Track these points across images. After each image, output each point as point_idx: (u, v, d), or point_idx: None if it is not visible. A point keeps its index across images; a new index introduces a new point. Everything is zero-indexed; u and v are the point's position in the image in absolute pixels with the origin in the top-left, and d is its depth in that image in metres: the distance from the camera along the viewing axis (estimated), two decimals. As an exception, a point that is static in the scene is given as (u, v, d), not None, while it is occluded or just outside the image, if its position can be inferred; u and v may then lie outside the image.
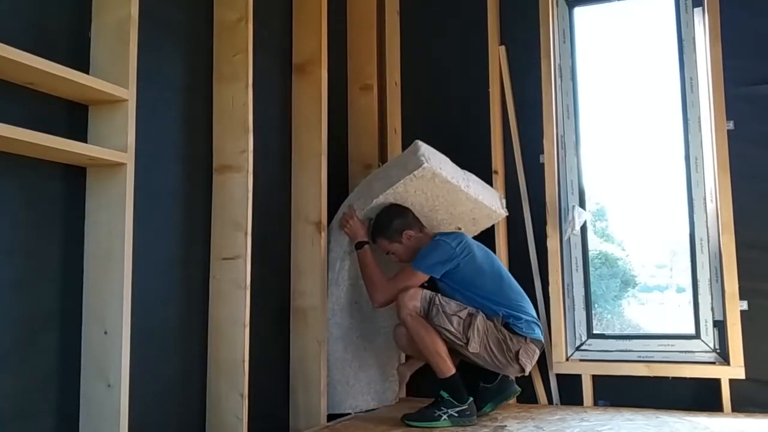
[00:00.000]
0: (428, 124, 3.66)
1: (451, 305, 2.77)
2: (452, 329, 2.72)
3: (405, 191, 2.88)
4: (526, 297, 2.96)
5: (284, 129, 2.99)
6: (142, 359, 2.07)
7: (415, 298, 2.74)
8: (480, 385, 2.89)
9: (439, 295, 2.79)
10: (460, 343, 2.73)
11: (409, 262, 2.90)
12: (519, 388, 3.00)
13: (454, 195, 2.97)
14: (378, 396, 3.12)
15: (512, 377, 2.98)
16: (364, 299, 3.05)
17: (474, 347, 2.73)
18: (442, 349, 2.73)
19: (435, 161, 2.83)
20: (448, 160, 2.96)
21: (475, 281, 2.84)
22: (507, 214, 3.27)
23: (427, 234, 2.96)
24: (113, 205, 1.93)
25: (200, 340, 2.43)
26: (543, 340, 2.91)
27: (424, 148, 2.83)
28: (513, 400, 3.26)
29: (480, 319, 2.76)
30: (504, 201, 3.28)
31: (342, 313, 3.01)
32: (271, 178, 2.86)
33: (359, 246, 2.92)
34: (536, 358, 2.87)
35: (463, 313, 2.76)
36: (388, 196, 2.90)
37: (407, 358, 3.23)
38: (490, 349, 2.76)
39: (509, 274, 3.01)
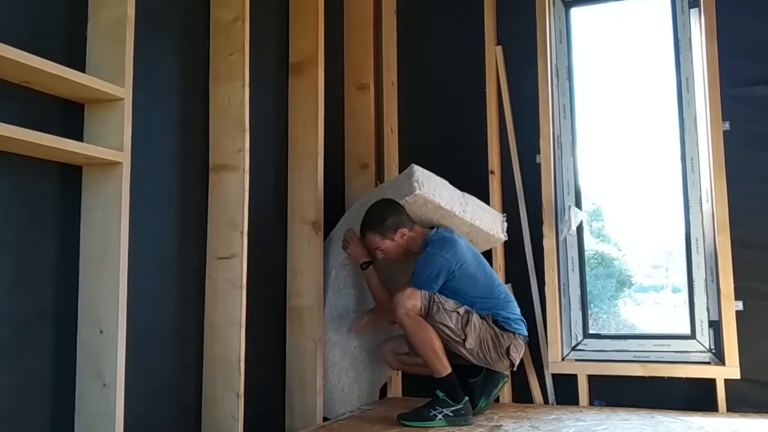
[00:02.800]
0: (425, 123, 3.66)
1: (450, 303, 2.78)
2: (452, 325, 2.73)
3: None
4: (512, 297, 2.99)
5: (281, 128, 2.99)
6: (138, 359, 2.06)
7: (414, 298, 2.73)
8: (468, 382, 2.90)
9: (437, 293, 2.79)
10: (458, 339, 2.75)
11: (396, 261, 2.92)
12: (506, 374, 3.01)
13: (449, 219, 2.97)
14: (360, 405, 3.14)
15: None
16: (363, 308, 3.06)
17: (470, 343, 2.76)
18: (440, 348, 2.74)
19: (428, 187, 2.82)
20: (446, 183, 2.95)
21: (468, 287, 2.85)
22: (506, 238, 3.25)
23: (419, 233, 2.90)
24: (109, 203, 1.93)
25: (196, 339, 2.42)
26: (527, 337, 2.95)
27: (419, 174, 2.81)
28: (509, 399, 3.27)
29: (476, 317, 2.80)
30: (506, 224, 3.25)
31: (340, 320, 3.01)
32: (268, 177, 2.86)
33: (363, 267, 2.93)
34: (522, 352, 2.92)
35: (461, 310, 2.78)
36: None
37: None
38: (485, 344, 2.80)
39: (494, 273, 3.03)
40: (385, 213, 2.82)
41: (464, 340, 2.75)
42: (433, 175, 2.91)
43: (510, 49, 3.53)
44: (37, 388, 1.83)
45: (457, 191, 3.01)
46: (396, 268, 3.04)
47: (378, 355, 3.17)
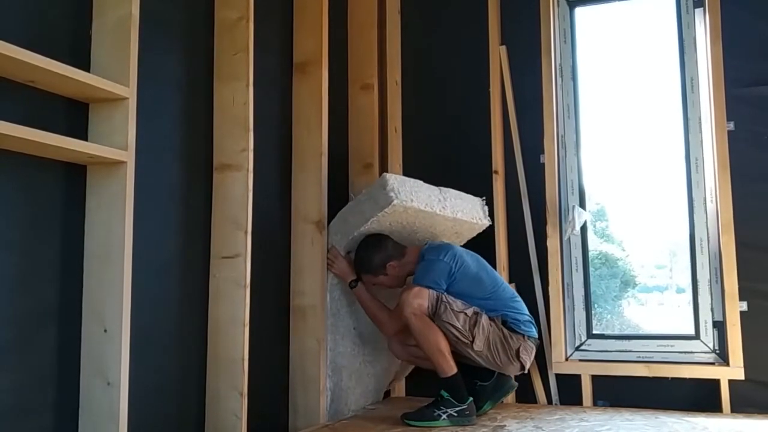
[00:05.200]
0: (428, 123, 3.66)
1: (458, 303, 2.77)
2: (459, 326, 2.72)
3: (380, 225, 2.88)
4: (519, 297, 2.97)
5: (284, 128, 2.99)
6: (142, 357, 2.07)
7: (421, 297, 2.72)
8: (477, 384, 2.88)
9: (445, 293, 2.79)
10: (466, 341, 2.73)
11: (397, 288, 2.93)
12: (516, 383, 3.00)
13: (431, 219, 2.95)
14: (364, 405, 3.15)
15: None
16: (363, 324, 3.07)
17: (478, 345, 2.74)
18: (446, 348, 2.73)
19: (405, 194, 2.77)
20: (421, 184, 2.91)
21: (473, 289, 2.84)
22: (490, 223, 3.24)
23: (411, 254, 2.92)
24: (113, 203, 1.93)
25: (200, 338, 2.43)
26: (538, 338, 2.93)
27: (392, 182, 2.76)
28: (512, 400, 3.27)
29: (484, 318, 2.78)
30: (486, 208, 3.24)
31: (344, 341, 3.01)
32: (272, 177, 2.86)
33: (352, 285, 2.92)
34: (533, 354, 2.89)
35: (469, 311, 2.77)
36: (363, 232, 2.90)
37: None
38: (494, 347, 2.78)
39: (500, 276, 3.02)
40: (371, 254, 2.86)
41: (472, 342, 2.73)
42: (407, 179, 2.87)
43: (514, 48, 3.52)
44: (40, 387, 1.84)
45: (434, 188, 2.97)
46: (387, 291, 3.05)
47: (382, 362, 3.17)
